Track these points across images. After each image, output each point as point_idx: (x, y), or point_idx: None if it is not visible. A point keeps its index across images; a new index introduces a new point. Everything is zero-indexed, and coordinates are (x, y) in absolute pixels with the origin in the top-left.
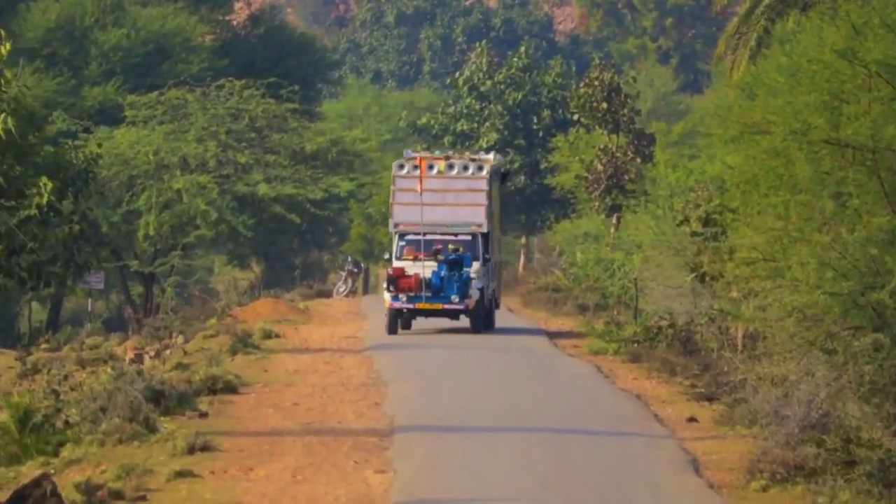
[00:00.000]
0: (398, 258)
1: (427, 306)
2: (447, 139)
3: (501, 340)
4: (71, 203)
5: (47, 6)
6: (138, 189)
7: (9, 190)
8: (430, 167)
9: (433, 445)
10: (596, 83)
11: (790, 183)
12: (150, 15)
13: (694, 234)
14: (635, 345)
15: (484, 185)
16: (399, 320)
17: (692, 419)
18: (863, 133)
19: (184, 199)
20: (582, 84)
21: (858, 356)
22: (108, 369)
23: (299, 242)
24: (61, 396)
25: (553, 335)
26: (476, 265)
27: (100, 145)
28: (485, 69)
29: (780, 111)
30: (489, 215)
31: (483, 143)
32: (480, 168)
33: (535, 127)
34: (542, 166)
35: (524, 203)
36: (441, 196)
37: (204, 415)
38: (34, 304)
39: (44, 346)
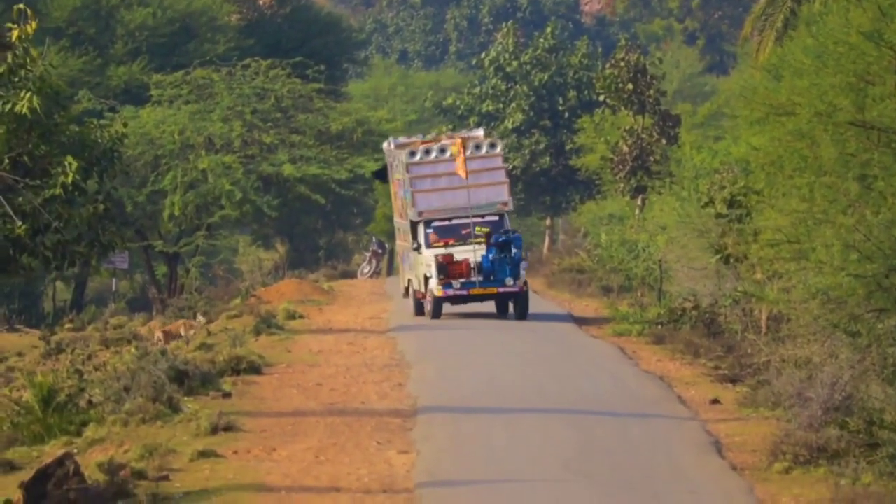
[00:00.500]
0: (428, 246)
1: (482, 291)
2: (473, 119)
3: (525, 322)
4: (96, 182)
5: None
6: (163, 169)
7: (34, 169)
8: (442, 150)
9: (456, 426)
10: (622, 64)
11: (815, 165)
12: None
13: (719, 215)
14: (659, 326)
15: (500, 162)
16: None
17: (715, 401)
18: (888, 115)
19: (209, 179)
20: (608, 65)
21: (882, 339)
22: (132, 349)
23: (324, 223)
24: (85, 376)
25: (579, 320)
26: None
27: (125, 125)
28: (511, 50)
29: (805, 93)
30: (511, 192)
31: (509, 123)
32: (493, 146)
33: (560, 108)
34: (568, 147)
35: (549, 184)
36: (459, 179)
37: (227, 395)
38: (58, 284)
39: (68, 325)
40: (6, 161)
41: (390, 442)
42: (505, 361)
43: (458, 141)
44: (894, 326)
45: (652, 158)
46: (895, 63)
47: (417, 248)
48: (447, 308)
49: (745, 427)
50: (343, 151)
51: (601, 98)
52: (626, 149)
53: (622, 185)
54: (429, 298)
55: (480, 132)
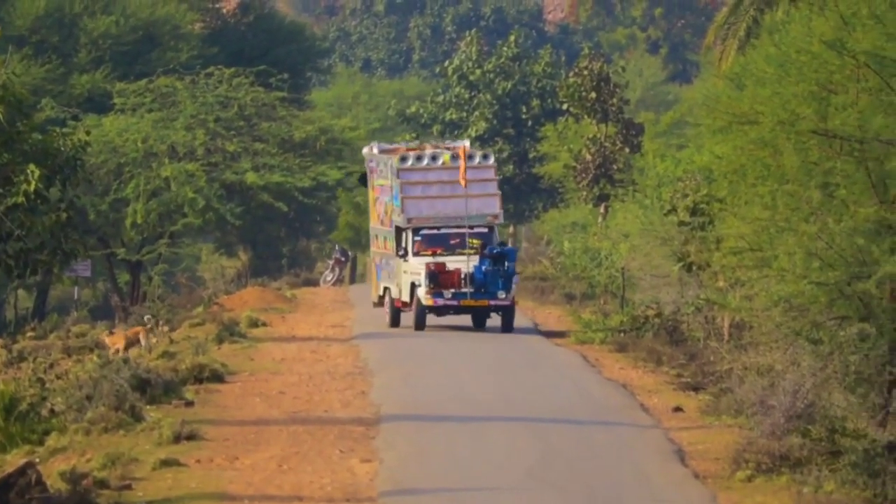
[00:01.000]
0: (415, 254)
1: (473, 303)
2: (436, 128)
3: (488, 329)
4: (59, 190)
5: None
6: (126, 177)
7: None
8: (434, 158)
9: (419, 435)
10: (585, 73)
11: (778, 173)
12: (140, 2)
13: (681, 223)
14: (622, 334)
15: (492, 174)
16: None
17: (678, 409)
18: (850, 123)
19: (172, 187)
20: (571, 73)
21: (844, 346)
22: (94, 357)
23: (287, 231)
24: (47, 385)
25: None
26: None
27: (88, 133)
28: (474, 58)
29: (768, 101)
30: (502, 205)
31: (472, 131)
32: (486, 157)
33: (524, 116)
34: (531, 155)
35: (512, 192)
36: (451, 188)
37: (190, 403)
38: (20, 292)
39: (30, 333)
40: None
41: (353, 450)
42: (468, 369)
43: (462, 149)
44: (856, 334)
45: (615, 167)
46: (857, 72)
47: (403, 256)
48: (430, 320)
49: (707, 435)
50: (306, 160)
51: (564, 106)
52: (589, 157)
53: (585, 193)
54: (414, 307)
55: (466, 143)
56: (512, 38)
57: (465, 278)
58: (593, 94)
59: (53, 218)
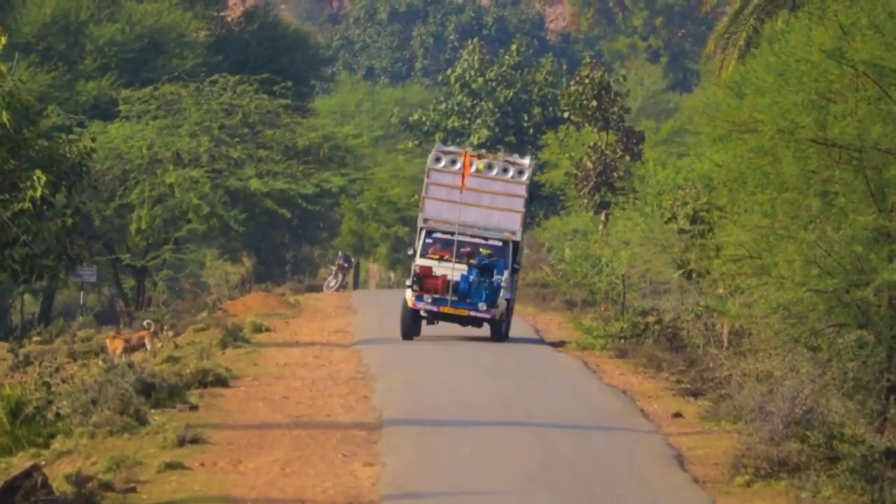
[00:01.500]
0: (422, 255)
1: (452, 311)
2: (438, 136)
3: (489, 335)
4: (64, 196)
5: (43, 1)
6: (131, 183)
7: (3, 183)
8: (453, 162)
9: (421, 439)
10: (586, 81)
11: (777, 181)
12: (145, 10)
13: (681, 231)
14: (622, 341)
15: (523, 190)
16: (415, 323)
17: (678, 415)
18: (849, 132)
19: (176, 194)
20: (572, 82)
21: (842, 353)
22: (100, 362)
23: (290, 237)
24: (53, 388)
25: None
26: (505, 274)
27: (94, 139)
28: (476, 67)
29: (767, 110)
30: (524, 223)
31: (474, 139)
32: (521, 173)
33: (525, 124)
34: (532, 163)
35: None
36: (476, 196)
37: (194, 407)
38: (27, 297)
39: (36, 338)
40: None
41: (355, 454)
42: (469, 375)
43: (466, 156)
44: (854, 341)
45: (616, 174)
46: (856, 81)
47: (412, 256)
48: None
49: (706, 440)
50: (310, 166)
51: (566, 115)
52: (590, 165)
53: (586, 200)
54: (401, 310)
55: (527, 160)
56: (514, 46)
57: (450, 285)
58: (594, 103)
59: (59, 223)
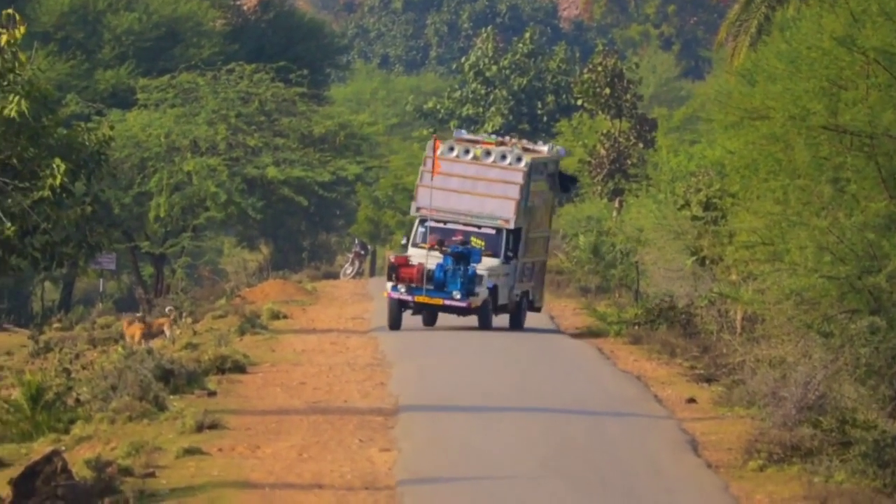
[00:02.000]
0: (414, 245)
1: (426, 300)
2: (453, 123)
3: (504, 323)
4: (83, 185)
5: None
6: (150, 171)
7: (22, 171)
8: (467, 151)
9: (436, 425)
10: (599, 69)
11: (789, 168)
12: (162, 0)
13: (694, 218)
14: (636, 327)
15: (519, 178)
16: (401, 313)
17: (691, 400)
18: (861, 119)
19: (194, 182)
20: (585, 70)
21: (855, 339)
22: (119, 348)
23: (307, 224)
24: (73, 375)
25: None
26: (493, 262)
27: (112, 128)
28: (490, 55)
29: (779, 97)
30: (520, 211)
31: (488, 127)
32: (519, 159)
33: (539, 112)
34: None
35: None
36: (471, 184)
37: (212, 393)
38: (47, 284)
39: (56, 325)
40: None
41: (372, 440)
42: (484, 361)
43: (436, 141)
44: (866, 327)
45: (629, 162)
46: (867, 68)
47: (405, 246)
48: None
49: (720, 426)
50: (326, 154)
51: (579, 102)
52: (603, 152)
53: (600, 187)
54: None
55: (546, 148)
56: (527, 34)
57: (424, 274)
58: (607, 90)
59: (79, 211)
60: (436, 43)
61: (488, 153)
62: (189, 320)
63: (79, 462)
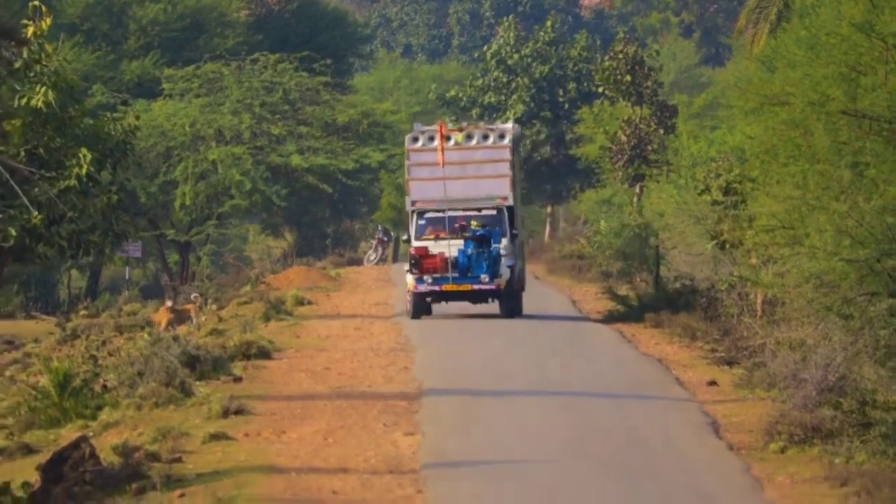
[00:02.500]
0: (418, 238)
1: (455, 288)
2: (475, 111)
3: (526, 307)
4: (110, 174)
5: None
6: (175, 160)
7: (49, 161)
8: (448, 138)
9: (460, 409)
10: (620, 56)
11: (808, 153)
12: None
13: (715, 202)
14: (657, 311)
15: (507, 154)
16: (426, 305)
17: (712, 383)
18: (880, 104)
19: (219, 170)
20: (606, 57)
21: (874, 321)
22: (145, 335)
23: (331, 212)
24: (99, 361)
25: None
26: (504, 241)
27: (138, 118)
28: (512, 43)
29: (798, 83)
30: (514, 187)
31: (510, 114)
32: (502, 136)
33: (560, 99)
34: (568, 137)
35: (550, 173)
36: (461, 169)
37: (238, 379)
38: (74, 272)
39: (83, 312)
40: (22, 153)
41: (396, 424)
42: (507, 345)
43: (441, 128)
44: (886, 309)
45: (650, 148)
46: (886, 54)
47: (408, 240)
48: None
49: (741, 408)
50: (349, 142)
51: (600, 90)
52: (624, 139)
53: (621, 173)
54: (408, 295)
55: (510, 125)
56: (549, 23)
57: (448, 262)
58: (628, 78)
59: (105, 200)
60: (458, 32)
61: (470, 136)
62: (214, 307)
63: (106, 448)
